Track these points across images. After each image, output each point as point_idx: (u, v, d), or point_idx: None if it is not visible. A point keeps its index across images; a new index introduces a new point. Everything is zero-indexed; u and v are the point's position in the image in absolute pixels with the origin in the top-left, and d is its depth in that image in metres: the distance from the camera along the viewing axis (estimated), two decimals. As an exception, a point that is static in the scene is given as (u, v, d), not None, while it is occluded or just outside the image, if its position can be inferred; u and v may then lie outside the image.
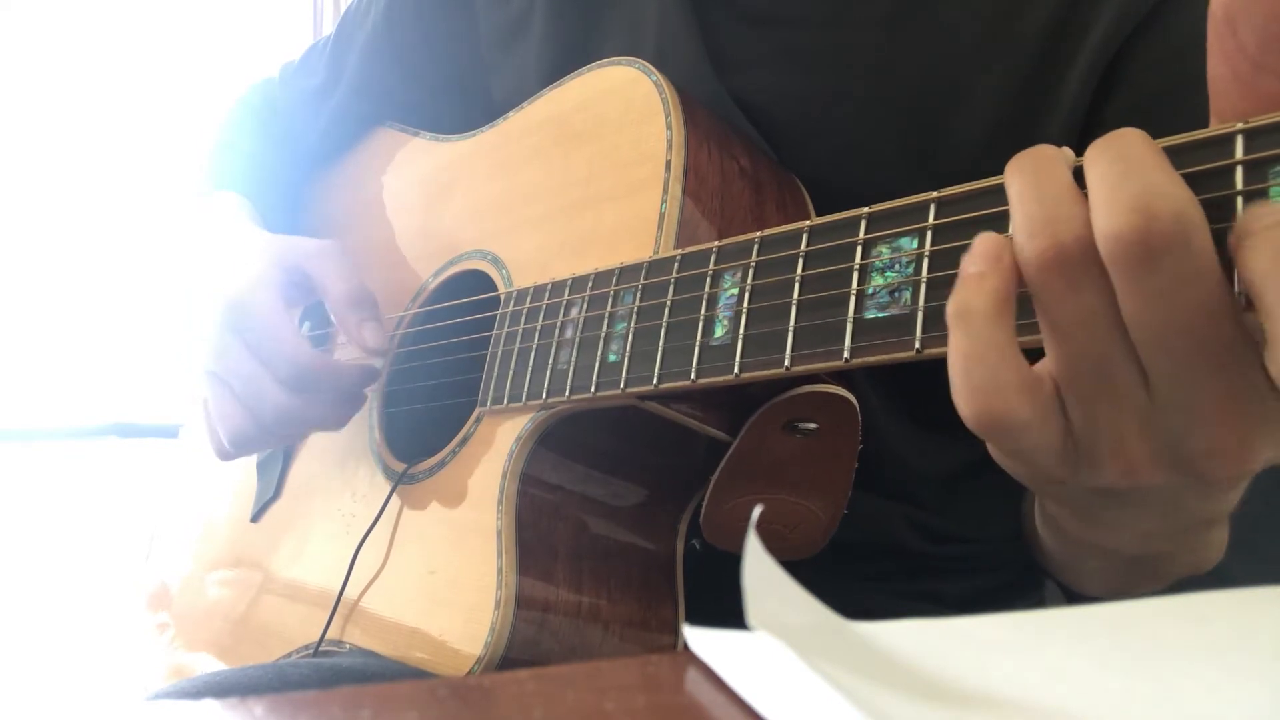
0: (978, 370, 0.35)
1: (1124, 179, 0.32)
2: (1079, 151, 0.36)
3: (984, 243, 0.36)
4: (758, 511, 0.29)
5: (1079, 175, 0.35)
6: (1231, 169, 0.32)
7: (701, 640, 0.29)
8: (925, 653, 0.27)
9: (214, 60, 2.36)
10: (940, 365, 0.40)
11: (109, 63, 2.28)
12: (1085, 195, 0.34)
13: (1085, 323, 0.34)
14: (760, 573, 0.27)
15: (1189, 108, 0.36)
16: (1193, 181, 0.32)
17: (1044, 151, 0.36)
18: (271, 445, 0.75)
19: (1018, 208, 0.35)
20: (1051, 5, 0.59)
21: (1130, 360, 0.34)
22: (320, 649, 0.68)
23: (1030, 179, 0.35)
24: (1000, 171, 0.39)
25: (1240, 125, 0.32)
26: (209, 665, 0.82)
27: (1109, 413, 0.35)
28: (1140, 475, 0.36)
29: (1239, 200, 0.32)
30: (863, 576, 0.67)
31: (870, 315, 0.41)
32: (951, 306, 0.36)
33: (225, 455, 0.73)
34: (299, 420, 0.68)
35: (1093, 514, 0.42)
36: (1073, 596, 0.68)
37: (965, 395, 0.35)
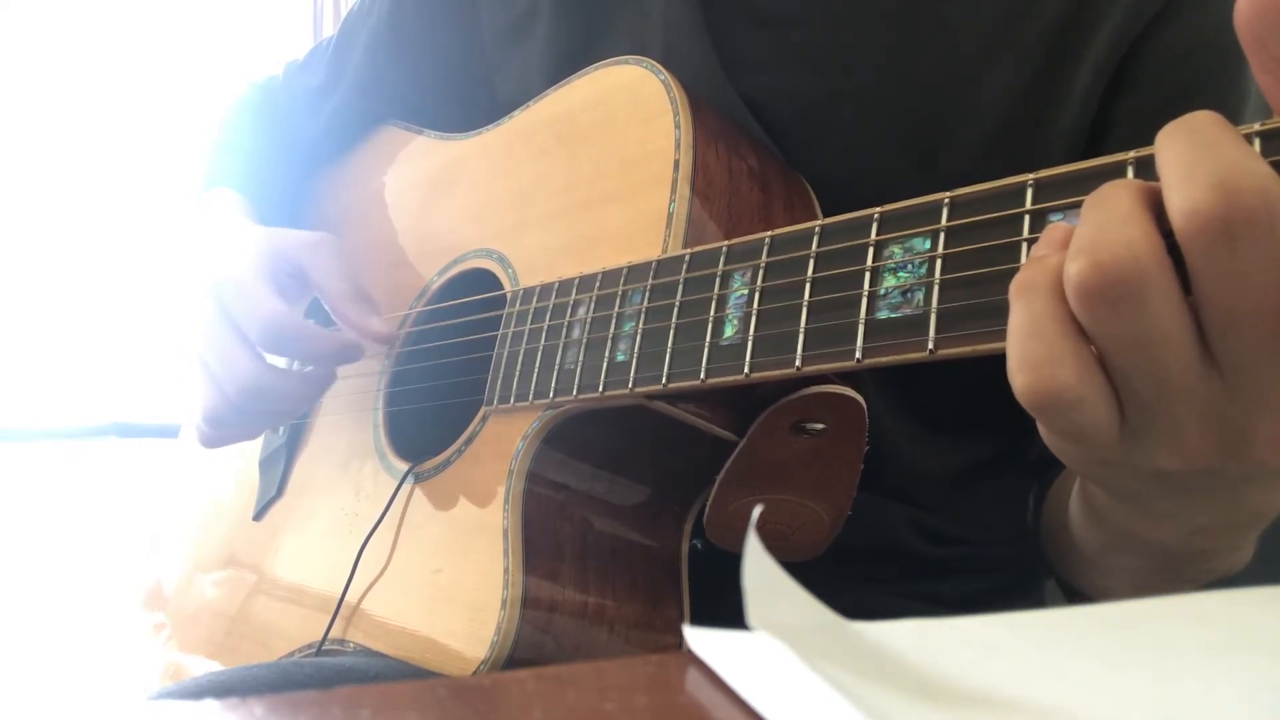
0: (1033, 344, 0.34)
1: (1200, 155, 0.31)
2: (1089, 154, 0.36)
3: (1052, 230, 0.35)
4: (758, 512, 0.29)
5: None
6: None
7: (701, 640, 0.29)
8: (925, 653, 0.27)
9: (214, 60, 2.36)
10: (946, 367, 0.40)
11: (109, 63, 2.28)
12: (1148, 214, 0.32)
13: (1140, 344, 0.33)
14: (760, 573, 0.27)
15: (1200, 109, 0.35)
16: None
17: (1124, 181, 0.34)
18: (249, 425, 0.74)
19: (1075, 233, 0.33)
20: (1058, 5, 0.59)
21: (1193, 353, 0.33)
22: (323, 648, 0.68)
23: (1091, 205, 0.33)
24: (1005, 172, 0.39)
25: (1257, 127, 0.32)
26: (209, 665, 0.82)
27: (1167, 406, 0.34)
28: (1197, 461, 0.35)
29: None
30: (863, 577, 0.67)
31: (882, 316, 0.41)
32: (1014, 283, 0.35)
33: (206, 439, 0.73)
34: (266, 394, 0.67)
35: (1146, 502, 0.41)
36: (1075, 598, 0.68)
37: (1019, 368, 0.34)
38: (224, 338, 0.67)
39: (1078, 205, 0.35)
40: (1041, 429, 0.37)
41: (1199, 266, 0.31)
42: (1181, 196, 0.31)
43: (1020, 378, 0.34)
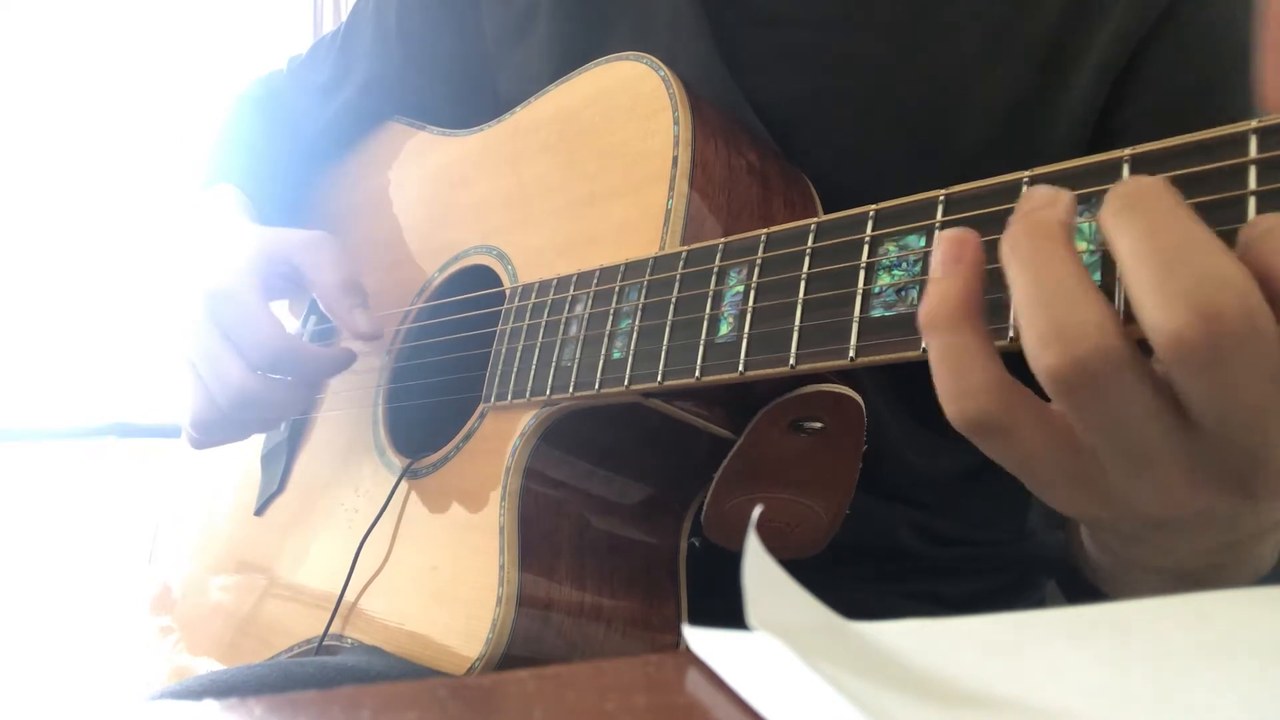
0: (948, 376, 0.34)
1: (1169, 268, 0.29)
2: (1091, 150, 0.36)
3: (943, 244, 0.35)
4: (758, 512, 0.29)
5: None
6: (1245, 168, 0.31)
7: (701, 640, 0.29)
8: (925, 653, 0.27)
9: (214, 60, 2.36)
10: None
11: (109, 63, 2.28)
12: (1095, 278, 0.32)
13: (1120, 420, 0.32)
14: (760, 573, 0.27)
15: (1202, 113, 0.35)
16: (1204, 181, 0.32)
17: (1040, 227, 0.32)
18: (238, 432, 0.75)
19: (1020, 306, 0.32)
20: (1057, 11, 0.59)
21: (1179, 427, 0.32)
22: (322, 645, 0.69)
23: (1030, 272, 0.32)
24: (1006, 173, 0.39)
25: (1254, 124, 0.32)
26: (212, 666, 0.82)
27: (1152, 468, 0.33)
28: (1186, 508, 0.34)
29: (1251, 200, 0.31)
30: (864, 577, 0.67)
31: (876, 314, 0.41)
32: (920, 315, 0.35)
33: (195, 443, 0.74)
34: (257, 404, 0.68)
35: (1142, 539, 0.41)
36: (1075, 598, 0.68)
37: (944, 400, 0.35)
38: (215, 347, 0.68)
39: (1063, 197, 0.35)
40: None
41: (1184, 383, 0.30)
42: (1159, 319, 0.29)
43: (947, 411, 0.35)
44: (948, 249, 0.35)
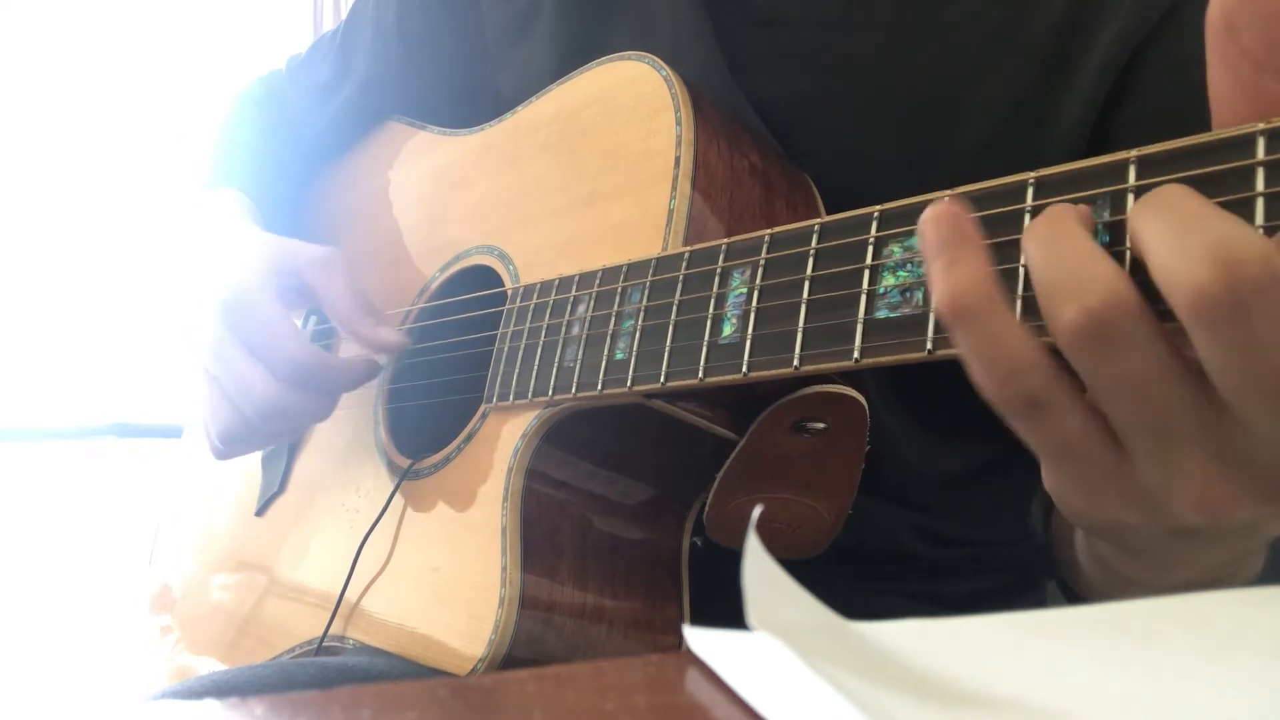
0: (989, 364, 0.34)
1: (1188, 229, 0.30)
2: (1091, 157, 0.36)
3: (936, 224, 0.34)
4: (758, 512, 0.29)
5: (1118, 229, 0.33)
6: (1252, 170, 0.31)
7: (701, 640, 0.29)
8: (925, 653, 0.27)
9: (214, 60, 2.36)
10: (946, 368, 0.39)
11: (109, 63, 2.28)
12: (1111, 254, 0.32)
13: (1139, 383, 0.32)
14: (761, 573, 0.27)
15: (1202, 115, 0.35)
16: (1211, 182, 0.32)
17: (1058, 213, 0.34)
18: (263, 443, 0.76)
19: (1036, 275, 0.33)
20: (1059, 11, 0.59)
21: (1203, 401, 0.32)
22: (323, 646, 0.68)
23: (1045, 246, 0.33)
24: (1006, 174, 0.39)
25: (1261, 125, 0.32)
26: (212, 666, 0.82)
27: (1182, 459, 0.33)
28: (1228, 513, 0.34)
29: (1259, 202, 0.31)
30: (864, 577, 0.67)
31: (881, 315, 0.41)
32: (943, 308, 0.34)
33: (219, 454, 0.74)
34: (284, 416, 0.68)
35: (1159, 555, 0.40)
36: (1076, 599, 0.68)
37: (988, 387, 0.35)
38: (239, 362, 0.68)
39: (1081, 204, 0.35)
40: (1044, 471, 0.37)
41: (1206, 342, 0.30)
42: (1180, 275, 0.30)
43: (991, 395, 0.35)
44: (947, 228, 0.34)
